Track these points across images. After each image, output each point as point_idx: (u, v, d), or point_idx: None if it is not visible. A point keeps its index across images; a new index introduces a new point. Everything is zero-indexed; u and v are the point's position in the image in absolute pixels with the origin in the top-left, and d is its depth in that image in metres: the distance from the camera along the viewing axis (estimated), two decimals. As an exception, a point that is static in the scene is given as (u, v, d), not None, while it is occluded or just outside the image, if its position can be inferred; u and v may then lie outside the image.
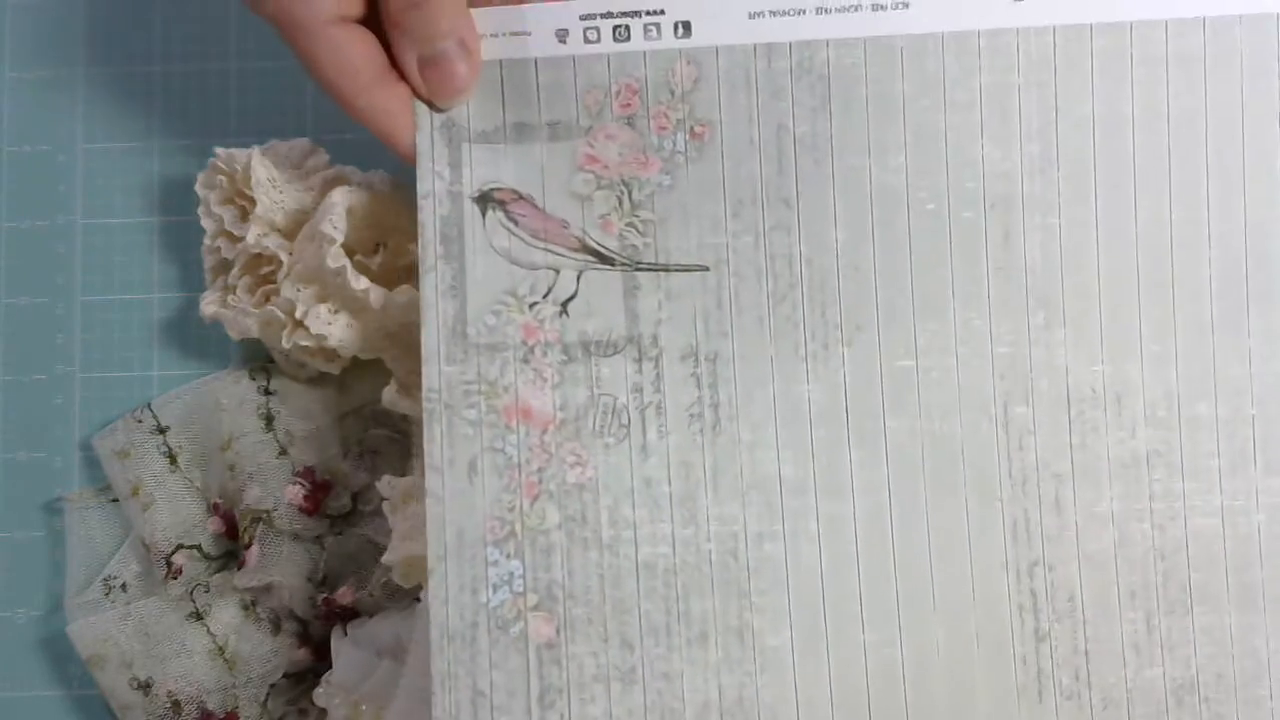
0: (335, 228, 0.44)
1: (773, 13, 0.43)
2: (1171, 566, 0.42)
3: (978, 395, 0.43)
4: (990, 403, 0.43)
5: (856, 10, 0.44)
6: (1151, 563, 0.42)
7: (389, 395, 0.46)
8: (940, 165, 0.43)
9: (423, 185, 0.43)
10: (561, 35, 0.43)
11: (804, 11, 0.43)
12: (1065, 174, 0.43)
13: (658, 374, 0.43)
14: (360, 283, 0.44)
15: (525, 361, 0.43)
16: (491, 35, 0.43)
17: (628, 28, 0.43)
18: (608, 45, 0.43)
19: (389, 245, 0.47)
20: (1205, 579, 0.42)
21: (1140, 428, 0.43)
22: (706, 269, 0.43)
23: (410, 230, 0.46)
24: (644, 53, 0.43)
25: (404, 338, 0.46)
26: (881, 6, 0.44)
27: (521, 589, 0.42)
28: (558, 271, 0.43)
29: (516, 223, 0.43)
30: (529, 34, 0.43)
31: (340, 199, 0.45)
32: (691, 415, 0.42)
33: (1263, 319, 0.43)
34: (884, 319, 0.43)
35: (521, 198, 0.43)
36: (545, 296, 0.43)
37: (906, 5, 0.44)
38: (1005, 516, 0.42)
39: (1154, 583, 0.42)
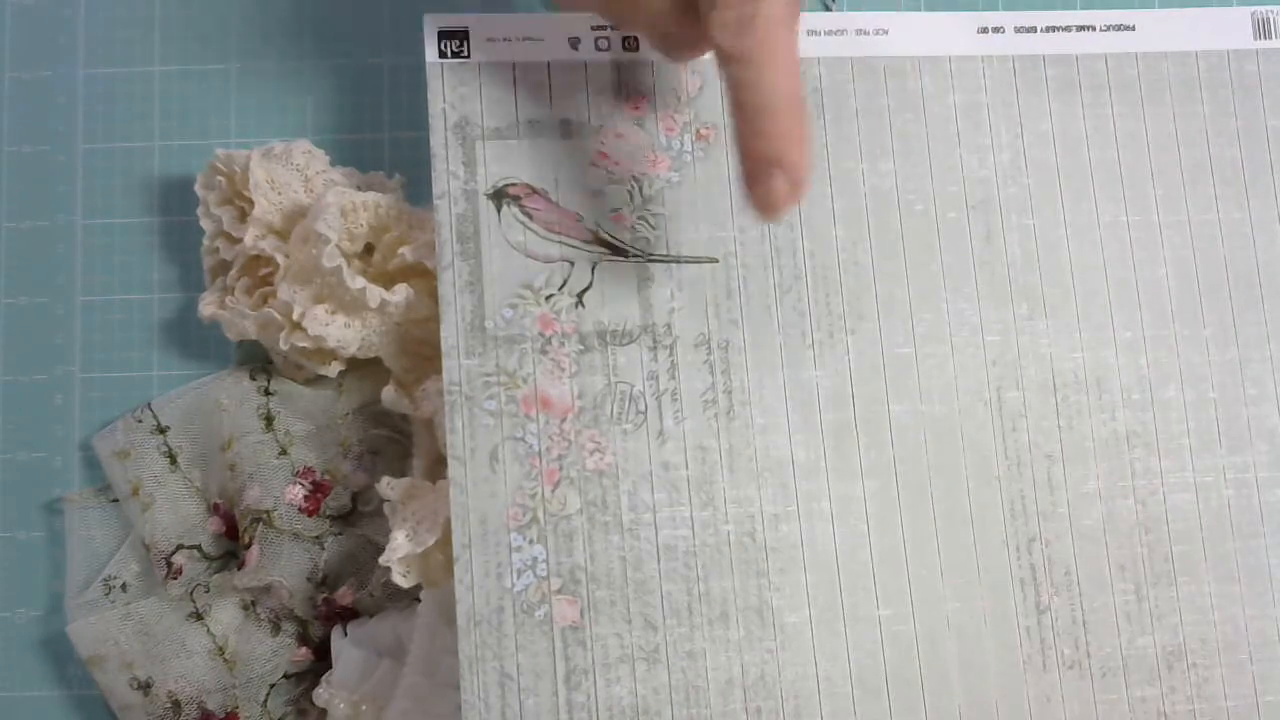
0: (330, 227, 0.44)
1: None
2: (1155, 540, 0.45)
3: (972, 380, 0.45)
4: (984, 387, 0.45)
5: (842, 34, 0.47)
6: (1137, 536, 0.45)
7: (389, 395, 0.46)
8: (925, 171, 0.46)
9: (438, 185, 0.44)
10: (574, 43, 0.45)
11: (795, 32, 0.47)
12: (1034, 180, 0.47)
13: (672, 361, 0.44)
14: (357, 282, 0.45)
15: (543, 352, 0.43)
16: (505, 39, 0.45)
17: (636, 39, 0.46)
18: (617, 53, 0.46)
19: (381, 246, 0.47)
20: (1185, 551, 0.45)
21: (1119, 410, 0.46)
22: (716, 261, 0.45)
23: (405, 231, 0.47)
24: (652, 62, 0.46)
25: (401, 337, 0.46)
26: (864, 31, 0.47)
27: (545, 573, 0.42)
28: (572, 264, 0.44)
29: (531, 217, 0.44)
30: (542, 40, 0.45)
31: (334, 199, 0.45)
32: (706, 401, 0.44)
33: (1215, 312, 0.47)
34: (883, 309, 0.45)
35: (535, 192, 0.44)
36: (561, 288, 0.44)
37: (886, 31, 0.48)
38: (1003, 495, 0.45)
39: (1140, 555, 0.45)
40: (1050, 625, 0.44)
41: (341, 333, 0.45)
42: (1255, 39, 0.49)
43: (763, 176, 0.38)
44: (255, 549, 0.45)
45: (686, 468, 0.43)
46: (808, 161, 0.38)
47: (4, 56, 0.51)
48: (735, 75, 0.37)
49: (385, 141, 0.51)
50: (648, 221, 0.45)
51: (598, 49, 0.45)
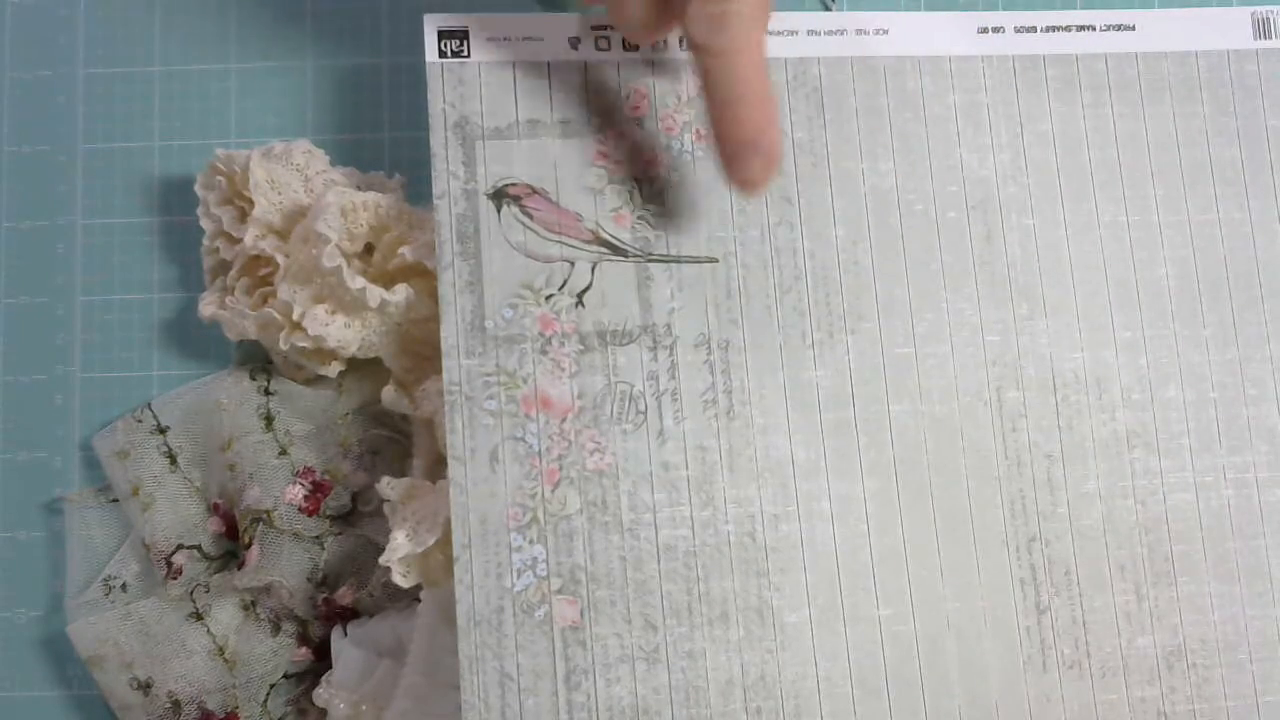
0: (330, 227, 0.44)
1: (768, 31, 0.46)
2: (1155, 540, 0.45)
3: (972, 380, 0.45)
4: (984, 387, 0.45)
5: (842, 34, 0.47)
6: (1137, 537, 0.45)
7: (389, 395, 0.46)
8: (925, 170, 0.46)
9: (438, 185, 0.44)
10: (574, 43, 0.45)
11: (796, 32, 0.47)
12: (1034, 180, 0.47)
13: (672, 361, 0.44)
14: (357, 282, 0.45)
15: (543, 352, 0.43)
16: (505, 39, 0.45)
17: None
18: (618, 54, 0.46)
19: (381, 246, 0.47)
20: (1185, 551, 0.45)
21: (1119, 410, 0.46)
22: (716, 260, 0.45)
23: (405, 231, 0.47)
24: (652, 62, 0.46)
25: (401, 337, 0.46)
26: (864, 31, 0.47)
27: (545, 573, 0.42)
28: (572, 264, 0.44)
29: (531, 216, 0.44)
30: (542, 40, 0.45)
31: (334, 199, 0.45)
32: (706, 401, 0.44)
33: (1215, 312, 0.47)
34: (883, 309, 0.45)
35: (535, 192, 0.44)
36: (561, 288, 0.44)
37: (886, 31, 0.48)
38: (1003, 495, 0.45)
39: (1140, 555, 0.45)
40: (1050, 625, 0.44)
41: (341, 333, 0.45)
42: (1255, 39, 0.49)
43: (742, 159, 0.40)
44: (255, 549, 0.45)
45: (686, 468, 0.43)
46: (779, 139, 0.41)
47: (4, 56, 0.51)
48: (709, 67, 0.40)
49: (385, 141, 0.51)
50: (648, 221, 0.45)
51: (598, 49, 0.45)
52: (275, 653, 0.45)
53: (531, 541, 0.42)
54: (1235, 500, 0.46)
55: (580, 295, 0.44)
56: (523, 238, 0.44)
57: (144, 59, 0.51)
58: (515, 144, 0.44)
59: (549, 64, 0.45)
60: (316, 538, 0.46)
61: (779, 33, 0.47)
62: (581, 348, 0.43)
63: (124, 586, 0.46)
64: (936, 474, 0.44)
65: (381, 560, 0.43)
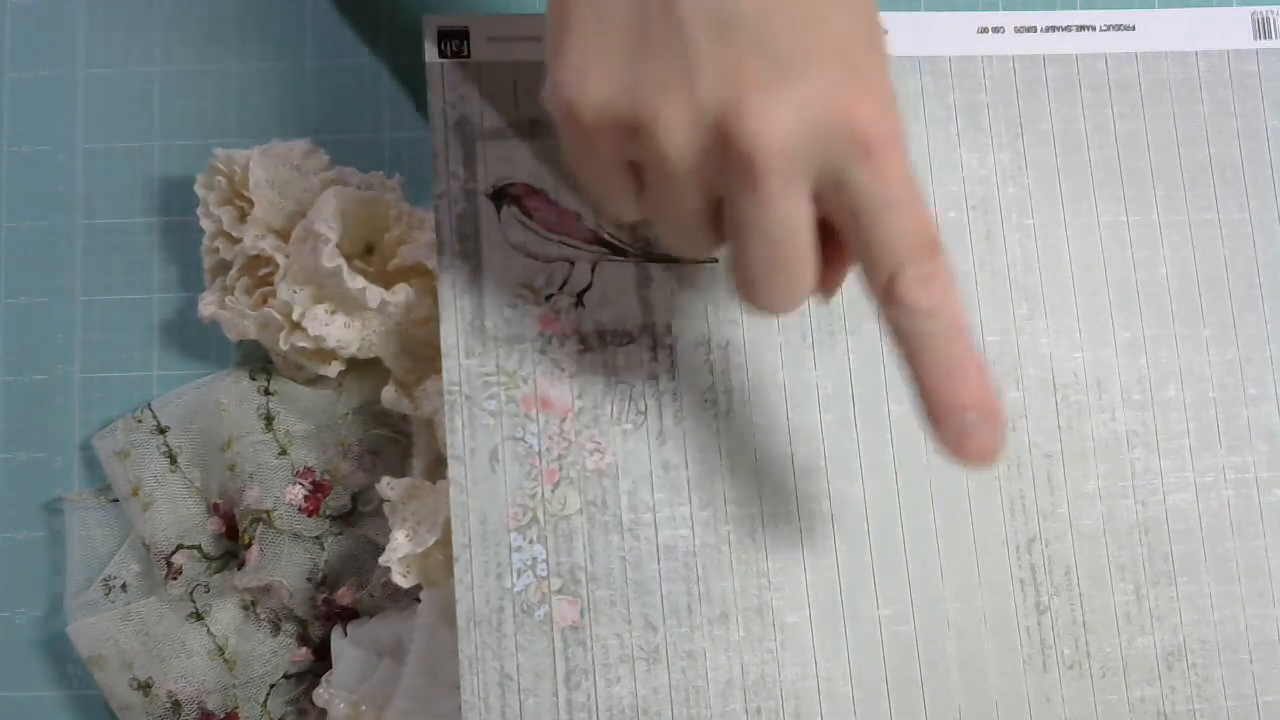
0: (330, 227, 0.45)
1: None
2: (1155, 540, 0.45)
3: (972, 380, 0.45)
4: (984, 387, 0.45)
5: (841, 33, 0.47)
6: (1137, 537, 0.45)
7: (389, 395, 0.46)
8: (925, 170, 0.46)
9: (438, 184, 0.44)
10: (574, 43, 0.45)
11: (795, 32, 0.47)
12: (1034, 180, 0.47)
13: (672, 361, 0.44)
14: (356, 282, 0.45)
15: (543, 352, 0.43)
16: (505, 39, 0.45)
17: (636, 38, 0.46)
18: (617, 53, 0.45)
19: (381, 246, 0.47)
20: (1185, 551, 0.45)
21: (1119, 410, 0.46)
22: (716, 260, 0.45)
23: (405, 231, 0.47)
24: (651, 61, 0.46)
25: (401, 337, 0.46)
26: (863, 30, 0.47)
27: (545, 573, 0.42)
28: (573, 263, 0.44)
29: (531, 216, 0.44)
30: (543, 40, 0.45)
31: (334, 199, 0.45)
32: (706, 401, 0.44)
33: (1215, 312, 0.47)
34: (883, 309, 0.45)
35: (536, 192, 0.44)
36: (561, 288, 0.44)
37: (885, 31, 0.47)
38: (1003, 495, 0.45)
39: (1140, 555, 0.45)
40: (1050, 625, 0.44)
41: (341, 333, 0.45)
42: (1255, 39, 0.49)
43: (980, 426, 0.35)
44: (255, 549, 0.45)
45: (686, 468, 0.43)
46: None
47: (4, 56, 0.51)
48: (926, 330, 0.35)
49: (385, 141, 0.51)
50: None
51: (598, 49, 0.45)
52: (275, 653, 0.45)
53: (531, 541, 0.42)
54: (1235, 500, 0.46)
55: (580, 295, 0.44)
56: (523, 237, 0.44)
57: (144, 59, 0.51)
58: (515, 144, 0.44)
59: None
60: (316, 538, 0.46)
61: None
62: (581, 348, 0.43)
63: (124, 586, 0.46)
64: (936, 474, 0.44)
65: (381, 560, 0.43)
